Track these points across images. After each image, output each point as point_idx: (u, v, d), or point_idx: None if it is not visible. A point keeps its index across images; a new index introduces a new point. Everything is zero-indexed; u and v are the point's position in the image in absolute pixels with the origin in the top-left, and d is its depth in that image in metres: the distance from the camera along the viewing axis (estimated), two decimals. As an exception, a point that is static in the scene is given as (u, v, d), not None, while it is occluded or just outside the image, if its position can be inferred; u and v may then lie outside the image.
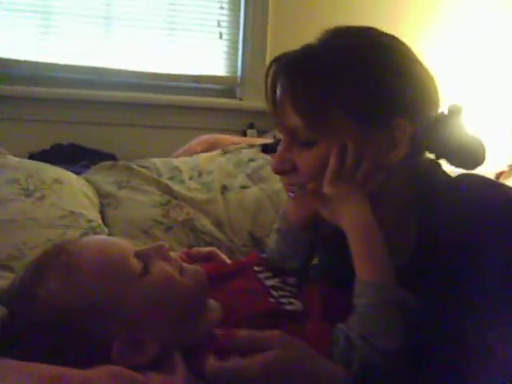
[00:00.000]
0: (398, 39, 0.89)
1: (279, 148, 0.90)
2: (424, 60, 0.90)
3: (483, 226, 0.80)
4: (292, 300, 0.94)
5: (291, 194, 0.93)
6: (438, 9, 2.71)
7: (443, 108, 0.91)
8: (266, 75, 0.90)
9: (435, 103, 0.89)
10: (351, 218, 0.86)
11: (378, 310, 0.80)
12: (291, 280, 1.00)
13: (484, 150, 0.90)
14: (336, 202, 0.87)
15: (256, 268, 1.03)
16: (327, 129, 0.84)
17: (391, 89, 0.84)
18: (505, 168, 2.53)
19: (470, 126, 0.91)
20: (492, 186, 0.88)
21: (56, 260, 0.84)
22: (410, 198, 0.91)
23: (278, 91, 0.88)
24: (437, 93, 0.90)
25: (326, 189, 0.86)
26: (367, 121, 0.84)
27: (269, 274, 1.01)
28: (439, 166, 0.94)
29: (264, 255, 1.10)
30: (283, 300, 0.93)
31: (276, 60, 0.89)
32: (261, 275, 1.01)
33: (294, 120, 0.85)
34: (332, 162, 0.84)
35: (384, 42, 0.88)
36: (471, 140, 0.90)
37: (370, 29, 0.90)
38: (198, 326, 0.87)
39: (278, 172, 0.91)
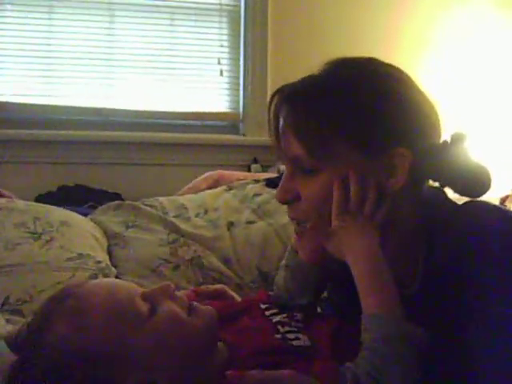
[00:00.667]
0: (397, 68, 0.91)
1: (283, 178, 0.91)
2: (423, 88, 0.91)
3: (484, 257, 0.80)
4: (299, 335, 0.93)
5: (296, 230, 0.93)
6: (433, 35, 2.75)
7: (446, 135, 0.92)
8: (269, 106, 0.91)
9: (436, 130, 0.90)
10: (354, 251, 0.85)
11: (385, 343, 0.79)
12: (298, 315, 1.00)
13: (490, 177, 0.90)
14: (341, 236, 0.87)
15: (262, 306, 1.03)
16: (329, 157, 0.85)
17: (391, 117, 0.85)
18: (509, 192, 2.53)
19: (474, 151, 0.91)
20: (497, 214, 0.88)
21: (63, 304, 0.84)
22: (417, 227, 0.90)
23: (281, 121, 0.89)
24: (438, 120, 0.90)
25: (334, 223, 0.86)
26: (367, 149, 0.85)
27: (275, 311, 1.01)
28: (444, 193, 0.94)
29: (271, 293, 1.09)
30: (290, 335, 0.93)
31: (277, 91, 0.91)
32: (267, 312, 1.01)
33: (296, 149, 0.86)
34: (335, 194, 0.85)
35: (383, 71, 0.90)
36: (476, 167, 0.90)
37: (370, 59, 0.91)
38: (206, 367, 0.86)
39: (281, 201, 0.91)
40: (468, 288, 0.79)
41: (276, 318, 0.98)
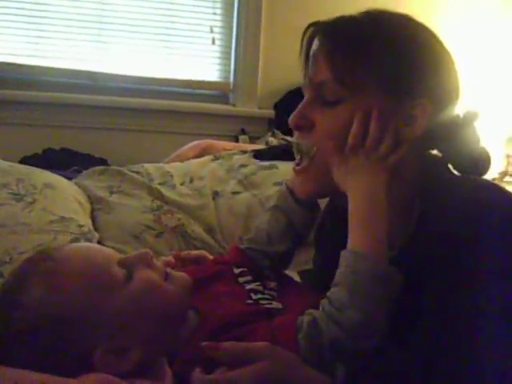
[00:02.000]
0: (435, 32, 0.91)
1: (301, 104, 0.90)
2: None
3: (483, 222, 0.80)
4: (272, 302, 0.94)
5: (297, 168, 0.92)
6: (436, 19, 2.72)
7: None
8: (303, 35, 0.91)
9: (456, 102, 0.91)
10: (358, 184, 0.85)
11: (362, 278, 0.79)
12: (272, 284, 1.00)
13: (490, 162, 0.91)
14: (350, 167, 0.86)
15: (235, 270, 1.03)
16: (355, 87, 0.85)
17: (424, 70, 0.86)
18: (495, 175, 2.55)
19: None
20: (497, 189, 0.87)
21: (39, 266, 0.83)
22: (414, 187, 0.91)
23: (314, 46, 0.89)
24: (460, 93, 0.91)
25: (346, 152, 0.86)
26: (394, 91, 0.85)
27: (248, 278, 1.01)
28: (445, 164, 0.95)
29: (246, 239, 1.08)
30: (262, 302, 0.93)
31: (314, 23, 0.91)
32: (241, 279, 1.01)
33: (324, 74, 0.87)
34: (355, 126, 0.85)
35: (424, 28, 0.91)
36: (480, 150, 0.92)
37: (406, 14, 0.92)
38: (179, 332, 0.87)
39: (294, 126, 0.90)
40: (465, 253, 0.79)
41: (249, 286, 0.98)
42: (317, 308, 0.82)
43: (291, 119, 0.90)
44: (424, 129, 0.86)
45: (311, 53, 0.90)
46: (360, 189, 0.85)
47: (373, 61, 0.85)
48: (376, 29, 0.87)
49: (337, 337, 0.77)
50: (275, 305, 0.92)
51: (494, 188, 0.87)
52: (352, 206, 0.84)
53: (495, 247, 0.78)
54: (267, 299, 0.94)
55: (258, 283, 0.98)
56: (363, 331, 0.78)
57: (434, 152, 0.95)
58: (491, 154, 0.92)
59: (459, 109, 0.92)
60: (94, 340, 0.80)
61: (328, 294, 0.81)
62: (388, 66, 0.85)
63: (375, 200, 0.84)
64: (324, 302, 0.80)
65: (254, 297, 0.94)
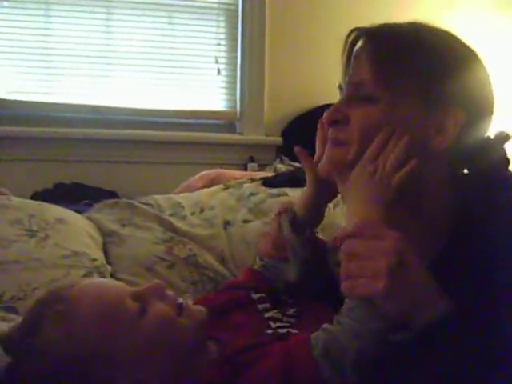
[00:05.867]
0: (477, 50, 0.93)
1: (338, 100, 0.92)
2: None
3: None
4: (290, 330, 0.93)
5: (330, 140, 0.92)
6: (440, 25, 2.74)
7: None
8: (346, 38, 0.93)
9: (490, 119, 0.92)
10: (356, 207, 0.85)
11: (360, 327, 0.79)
12: (291, 310, 1.00)
13: None
14: (353, 184, 0.87)
15: (254, 296, 1.03)
16: (393, 89, 0.86)
17: (460, 81, 0.87)
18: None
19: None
20: None
21: (52, 308, 0.83)
22: (447, 202, 0.90)
23: (358, 47, 0.91)
24: (493, 110, 0.92)
25: (354, 171, 0.87)
26: (428, 100, 0.86)
27: (267, 305, 1.01)
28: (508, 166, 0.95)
29: (257, 267, 1.09)
30: (281, 331, 0.93)
31: (358, 28, 0.93)
32: (259, 306, 1.01)
33: (364, 73, 0.88)
34: (377, 140, 0.86)
35: (467, 45, 0.93)
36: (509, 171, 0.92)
37: (447, 29, 0.94)
38: (197, 365, 0.86)
39: (330, 119, 0.91)
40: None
41: (268, 314, 0.98)
42: None
43: (327, 113, 0.91)
44: (455, 138, 0.86)
45: (354, 53, 0.91)
46: (355, 212, 0.85)
47: (412, 67, 0.87)
48: (419, 38, 0.89)
49: (361, 349, 0.77)
50: (293, 333, 0.92)
51: None
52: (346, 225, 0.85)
53: None
54: (286, 327, 0.94)
55: (276, 311, 0.98)
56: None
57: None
58: None
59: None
60: (112, 376, 0.80)
61: (343, 308, 0.80)
62: (428, 74, 0.87)
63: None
64: (340, 317, 0.80)
65: (273, 325, 0.94)
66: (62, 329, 0.81)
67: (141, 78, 2.61)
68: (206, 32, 2.67)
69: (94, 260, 1.39)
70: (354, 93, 0.90)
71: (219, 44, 2.68)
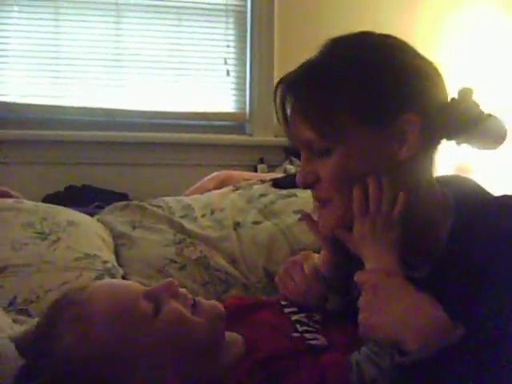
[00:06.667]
0: (392, 36, 0.91)
1: (301, 162, 0.91)
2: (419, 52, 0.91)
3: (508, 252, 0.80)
4: (317, 336, 0.93)
5: (316, 205, 0.93)
6: (440, 37, 2.74)
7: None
8: (274, 97, 0.92)
9: (441, 90, 0.90)
10: (370, 254, 0.87)
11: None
12: (317, 316, 1.00)
13: (504, 127, 0.89)
14: (360, 237, 0.88)
15: (282, 302, 1.04)
16: (340, 135, 0.85)
17: (392, 85, 0.85)
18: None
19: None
20: None
21: (66, 312, 0.83)
22: (440, 205, 0.90)
23: (288, 109, 0.90)
24: (441, 79, 0.90)
25: (355, 228, 0.88)
26: (375, 120, 0.85)
27: (294, 309, 1.01)
28: (479, 184, 0.95)
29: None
30: (307, 335, 0.93)
31: (281, 81, 0.92)
32: (286, 309, 1.01)
33: (305, 133, 0.87)
34: (355, 199, 0.86)
35: (379, 41, 0.91)
36: (489, 119, 0.90)
37: (363, 32, 0.92)
38: (217, 361, 0.86)
39: (302, 185, 0.91)
40: (490, 280, 0.79)
41: (294, 317, 0.98)
42: (360, 345, 0.83)
43: (298, 180, 0.91)
44: (418, 142, 0.85)
45: (287, 115, 0.90)
46: (371, 260, 0.87)
47: (344, 101, 0.85)
48: (337, 66, 0.87)
49: (376, 376, 0.78)
50: (320, 340, 0.92)
51: None
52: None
53: None
54: (312, 332, 0.94)
55: (303, 315, 0.98)
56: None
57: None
58: (502, 121, 0.90)
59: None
60: (129, 377, 0.80)
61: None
62: (360, 99, 0.85)
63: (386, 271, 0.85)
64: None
65: (299, 328, 0.94)
66: (77, 332, 0.81)
67: (150, 80, 2.61)
68: (214, 34, 2.68)
69: (106, 262, 1.40)
70: (308, 151, 0.89)
71: (228, 46, 2.69)
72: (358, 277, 0.87)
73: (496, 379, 0.74)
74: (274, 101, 0.92)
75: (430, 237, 0.89)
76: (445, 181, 0.94)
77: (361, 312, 0.83)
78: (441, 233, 0.88)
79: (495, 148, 0.91)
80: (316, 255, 1.06)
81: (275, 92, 0.92)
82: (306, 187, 0.91)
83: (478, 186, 0.94)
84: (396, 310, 0.79)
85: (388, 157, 0.86)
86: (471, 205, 0.89)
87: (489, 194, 0.93)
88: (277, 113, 0.92)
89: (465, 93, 0.90)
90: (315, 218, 0.96)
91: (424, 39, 2.69)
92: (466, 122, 0.89)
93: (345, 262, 1.00)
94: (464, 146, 0.92)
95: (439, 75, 0.90)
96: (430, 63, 0.90)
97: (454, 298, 0.82)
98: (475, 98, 0.90)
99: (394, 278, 0.83)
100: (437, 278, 0.87)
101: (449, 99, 0.90)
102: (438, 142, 0.91)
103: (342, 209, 0.89)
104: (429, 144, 0.88)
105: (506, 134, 0.90)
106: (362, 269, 0.89)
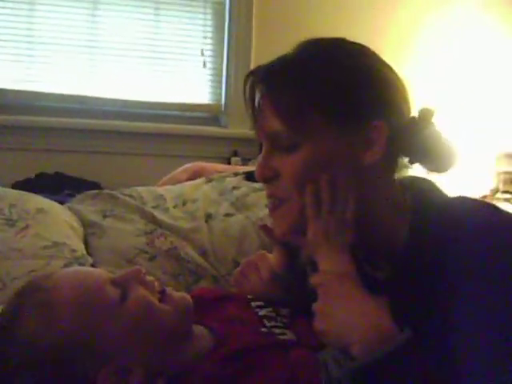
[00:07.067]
0: (365, 46, 0.92)
1: (261, 155, 0.91)
2: (393, 67, 0.92)
3: (466, 250, 0.81)
4: (285, 331, 0.94)
5: (270, 206, 0.93)
6: (417, 36, 2.76)
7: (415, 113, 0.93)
8: (244, 87, 0.92)
9: (408, 105, 0.91)
10: (324, 256, 0.87)
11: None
12: (283, 311, 1.00)
13: (456, 153, 0.91)
14: (314, 237, 0.88)
15: (249, 296, 1.03)
16: (307, 131, 0.85)
17: (365, 91, 0.87)
18: (487, 192, 2.57)
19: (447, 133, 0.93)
20: (487, 211, 0.88)
21: (31, 298, 0.83)
22: (399, 208, 0.91)
23: (257, 98, 0.89)
24: (408, 95, 0.92)
25: (309, 230, 0.88)
26: (345, 122, 0.86)
27: (261, 303, 1.01)
28: (431, 182, 0.96)
29: None
30: (276, 330, 0.93)
31: (252, 72, 0.92)
32: (253, 303, 1.01)
33: (274, 125, 0.87)
34: (308, 200, 0.87)
35: (353, 48, 0.92)
36: (444, 143, 0.92)
37: (339, 38, 0.93)
38: (183, 352, 0.86)
39: (261, 179, 0.91)
40: (446, 277, 0.80)
41: (262, 312, 0.98)
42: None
43: (257, 173, 0.91)
44: (383, 148, 0.86)
45: (256, 103, 0.90)
46: (324, 262, 0.87)
47: (316, 99, 0.86)
48: (313, 64, 0.87)
49: (341, 377, 0.78)
50: (289, 335, 0.93)
51: (486, 210, 0.87)
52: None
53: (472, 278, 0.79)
54: (280, 327, 0.94)
55: (270, 309, 0.98)
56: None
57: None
58: (455, 147, 0.92)
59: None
60: (94, 364, 0.80)
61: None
62: (333, 100, 0.86)
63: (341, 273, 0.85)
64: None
65: (267, 324, 0.94)
66: (42, 318, 0.80)
67: (126, 69, 2.59)
68: (192, 24, 2.66)
69: (75, 251, 1.39)
70: (272, 145, 0.89)
71: (205, 37, 2.67)
72: (313, 279, 0.87)
73: (447, 379, 0.75)
74: (244, 90, 0.91)
75: (389, 239, 0.90)
76: (404, 183, 0.94)
77: (315, 316, 0.83)
78: (400, 234, 0.89)
79: (444, 172, 0.92)
80: (271, 255, 1.06)
81: (245, 81, 0.91)
82: (263, 182, 0.91)
83: (436, 186, 0.96)
84: (343, 315, 0.80)
85: (352, 160, 0.86)
86: (429, 206, 0.90)
87: (446, 195, 0.95)
88: (245, 103, 0.92)
89: (425, 113, 0.92)
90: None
91: (400, 38, 2.72)
92: (422, 144, 0.90)
93: (297, 262, 1.02)
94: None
95: (407, 90, 0.92)
96: (400, 77, 0.92)
97: (415, 297, 0.83)
98: (435, 119, 0.92)
99: (345, 282, 0.84)
100: (399, 277, 0.88)
101: (411, 116, 0.92)
102: (398, 155, 0.93)
103: (297, 210, 0.89)
104: (392, 154, 0.90)
105: (456, 161, 0.92)
106: (316, 270, 0.89)
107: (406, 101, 0.91)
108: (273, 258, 1.06)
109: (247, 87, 0.91)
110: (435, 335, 0.79)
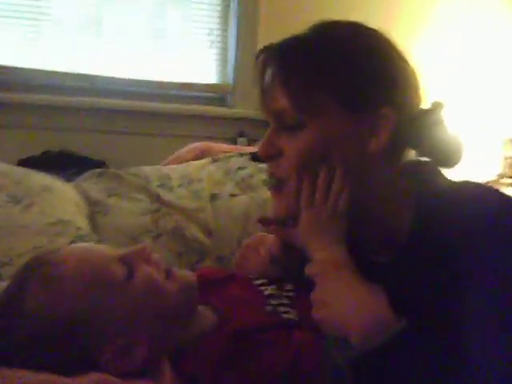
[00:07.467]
0: (384, 33, 0.91)
1: (266, 133, 0.90)
2: (409, 57, 0.91)
3: (469, 233, 0.80)
4: (289, 309, 0.94)
5: (268, 186, 0.93)
6: (431, 14, 2.73)
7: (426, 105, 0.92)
8: (255, 62, 0.91)
9: (418, 95, 0.90)
10: (316, 247, 0.87)
11: None
12: (288, 286, 1.00)
13: (463, 149, 0.91)
14: (304, 232, 0.88)
15: (251, 276, 1.04)
16: (315, 111, 0.85)
17: (377, 76, 0.86)
18: (494, 177, 2.56)
19: (462, 135, 0.92)
20: (490, 195, 0.87)
21: (38, 272, 0.83)
22: (399, 194, 0.91)
23: (268, 74, 0.89)
24: (419, 85, 0.91)
25: (302, 214, 0.88)
26: (354, 106, 0.85)
27: (264, 281, 1.01)
28: (438, 169, 0.95)
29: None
30: (281, 309, 0.94)
31: (265, 48, 0.91)
32: (257, 281, 1.01)
33: (282, 102, 0.86)
34: (304, 187, 0.86)
35: (369, 32, 0.91)
36: (451, 138, 0.91)
37: (355, 22, 0.92)
38: (186, 330, 0.87)
39: (264, 155, 0.90)
40: (457, 261, 0.80)
41: (267, 291, 0.98)
42: None
43: (259, 150, 0.90)
44: (388, 137, 0.85)
45: (266, 79, 0.89)
46: (319, 251, 0.87)
47: (328, 79, 0.85)
48: (327, 45, 0.87)
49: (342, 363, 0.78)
50: (293, 314, 0.93)
51: (491, 196, 0.87)
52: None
53: (489, 254, 0.78)
54: (285, 305, 0.94)
55: (274, 286, 0.99)
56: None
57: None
58: (462, 142, 0.92)
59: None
60: (99, 340, 0.81)
61: None
62: (344, 82, 0.85)
63: (332, 263, 0.85)
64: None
65: (272, 302, 0.95)
66: (48, 292, 0.81)
67: (133, 48, 2.58)
68: (200, 3, 2.64)
69: (80, 229, 1.39)
70: (279, 122, 0.88)
71: (213, 16, 2.65)
72: (308, 269, 0.87)
73: (447, 368, 0.75)
74: (254, 67, 0.91)
75: (392, 225, 0.90)
76: (408, 168, 0.94)
77: (313, 305, 0.83)
78: (403, 222, 0.89)
79: (451, 167, 0.92)
80: (271, 236, 1.06)
81: (257, 57, 0.91)
82: (266, 159, 0.91)
83: (439, 171, 0.95)
84: (341, 304, 0.80)
85: (356, 146, 0.86)
86: (433, 192, 0.89)
87: (449, 180, 0.94)
88: (255, 79, 0.91)
89: (436, 106, 0.91)
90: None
91: (412, 16, 2.68)
92: (431, 137, 0.90)
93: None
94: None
95: (418, 80, 0.91)
96: (414, 67, 0.91)
97: (416, 283, 0.83)
98: (445, 113, 0.91)
99: (343, 269, 0.84)
100: (401, 263, 0.87)
101: (421, 108, 0.91)
102: (404, 148, 0.92)
103: (293, 194, 0.88)
104: (396, 146, 0.89)
105: (461, 157, 0.91)
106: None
107: (417, 92, 0.90)
108: (272, 239, 1.06)
109: (258, 63, 0.90)
110: (440, 319, 0.79)
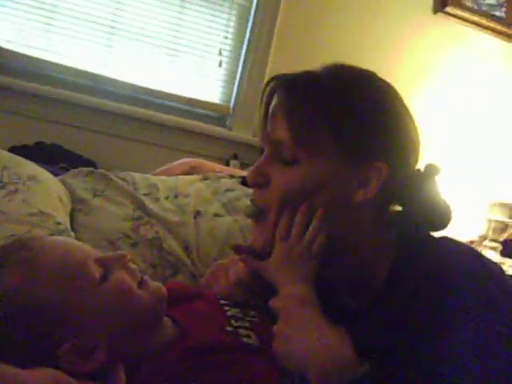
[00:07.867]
0: (392, 86, 0.92)
1: (258, 160, 0.91)
2: (414, 115, 0.92)
3: (444, 290, 0.81)
4: (250, 333, 0.93)
5: (247, 212, 0.93)
6: (431, 71, 2.78)
7: (421, 165, 0.93)
8: (264, 88, 0.91)
9: (416, 157, 0.92)
10: (284, 282, 0.88)
11: None
12: (251, 313, 1.00)
13: (451, 215, 0.92)
14: (274, 266, 0.89)
15: (218, 295, 1.04)
16: (312, 148, 0.85)
17: (380, 132, 0.87)
18: (475, 238, 2.58)
19: (446, 193, 0.93)
20: (469, 255, 0.88)
21: (16, 254, 0.83)
22: (380, 245, 0.91)
23: (274, 102, 0.89)
24: (419, 147, 0.92)
25: (275, 249, 0.88)
26: (348, 152, 0.86)
27: (230, 303, 1.01)
28: (422, 222, 0.95)
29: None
30: (241, 331, 0.93)
31: (276, 76, 0.92)
32: (222, 301, 1.01)
33: (281, 133, 0.87)
34: (282, 220, 0.87)
35: (381, 83, 0.92)
36: (441, 203, 0.92)
37: (369, 70, 0.93)
38: (148, 340, 0.87)
39: (251, 182, 0.91)
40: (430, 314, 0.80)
41: (230, 312, 0.98)
42: None
43: (248, 175, 0.91)
44: (377, 191, 0.86)
45: (270, 109, 0.90)
46: (286, 286, 0.87)
47: (331, 123, 0.86)
48: (336, 87, 0.88)
49: None
50: (253, 339, 0.93)
51: (469, 254, 0.87)
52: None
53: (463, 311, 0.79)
54: (246, 328, 0.94)
55: (238, 310, 0.99)
56: None
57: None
58: (451, 208, 0.93)
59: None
60: (62, 335, 0.80)
61: None
62: (346, 128, 0.86)
63: (297, 301, 0.85)
64: None
65: (234, 323, 0.94)
66: (23, 276, 0.81)
67: (143, 54, 2.59)
68: (215, 23, 2.66)
69: (59, 224, 1.38)
70: (273, 152, 0.89)
71: (226, 37, 2.68)
72: (273, 303, 0.86)
73: None
74: (263, 92, 0.91)
75: (366, 273, 0.90)
76: (391, 217, 0.94)
77: (274, 339, 0.82)
78: (380, 271, 0.89)
79: (436, 231, 0.93)
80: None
81: (266, 84, 0.91)
82: (252, 186, 0.91)
83: (422, 224, 0.95)
84: (303, 342, 0.79)
85: (343, 192, 0.86)
86: (413, 245, 0.90)
87: (430, 234, 0.94)
88: (261, 104, 0.92)
89: (431, 170, 0.92)
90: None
91: (408, 81, 2.72)
92: (420, 200, 0.91)
93: None
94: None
95: (419, 142, 0.92)
96: (416, 127, 0.92)
97: (386, 332, 0.83)
98: (439, 177, 0.92)
99: (308, 307, 0.84)
100: (373, 310, 0.88)
101: (415, 169, 0.92)
102: (392, 204, 0.93)
103: (272, 228, 0.89)
104: (383, 200, 0.90)
105: (448, 224, 0.93)
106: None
107: (415, 152, 0.91)
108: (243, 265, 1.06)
109: (267, 90, 0.91)
110: (406, 370, 0.79)
